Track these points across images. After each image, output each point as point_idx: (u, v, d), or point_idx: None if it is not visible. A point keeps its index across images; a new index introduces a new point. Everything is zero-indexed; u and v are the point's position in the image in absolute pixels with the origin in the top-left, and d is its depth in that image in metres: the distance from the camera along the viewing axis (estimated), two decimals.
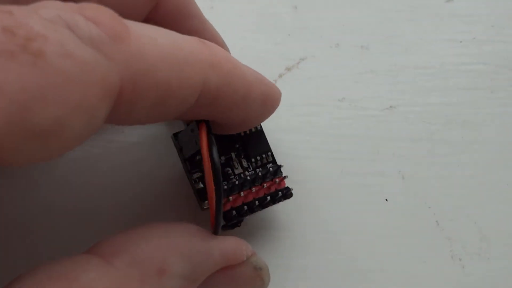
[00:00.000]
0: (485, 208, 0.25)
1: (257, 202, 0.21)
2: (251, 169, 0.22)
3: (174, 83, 0.15)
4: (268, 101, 0.18)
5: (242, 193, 0.21)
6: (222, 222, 0.20)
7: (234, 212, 0.21)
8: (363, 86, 0.25)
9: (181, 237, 0.17)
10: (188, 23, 0.20)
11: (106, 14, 0.14)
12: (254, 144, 0.22)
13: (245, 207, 0.21)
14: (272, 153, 0.22)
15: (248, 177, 0.21)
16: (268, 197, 0.21)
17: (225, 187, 0.21)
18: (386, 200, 0.24)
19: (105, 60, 0.13)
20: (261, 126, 0.23)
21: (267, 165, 0.22)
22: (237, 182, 0.21)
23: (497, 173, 0.25)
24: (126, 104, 0.14)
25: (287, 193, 0.22)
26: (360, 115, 0.25)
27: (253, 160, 0.22)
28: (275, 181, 0.22)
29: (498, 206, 0.25)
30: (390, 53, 0.26)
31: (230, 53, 0.21)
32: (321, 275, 0.23)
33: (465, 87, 0.26)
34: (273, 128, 0.24)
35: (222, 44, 0.21)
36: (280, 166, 0.22)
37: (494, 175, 0.25)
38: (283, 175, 0.22)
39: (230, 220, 0.21)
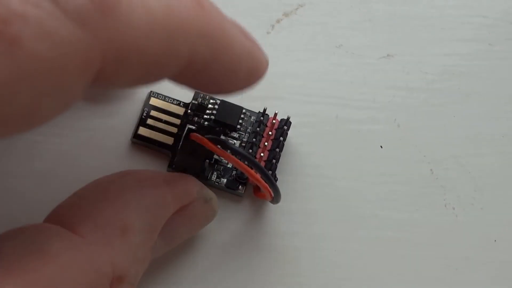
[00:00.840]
0: (479, 158, 0.25)
1: (277, 150, 0.22)
2: (244, 133, 0.23)
3: (161, 56, 0.13)
4: (254, 76, 0.17)
5: (261, 155, 0.22)
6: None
7: (270, 172, 0.21)
8: (361, 34, 0.25)
9: (135, 190, 0.17)
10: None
11: None
12: (228, 115, 0.22)
13: (273, 160, 0.22)
14: (245, 109, 0.23)
15: (252, 140, 0.22)
16: (280, 138, 0.22)
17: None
18: (381, 147, 0.24)
19: (90, 37, 0.12)
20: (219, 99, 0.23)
21: (251, 120, 0.23)
22: (250, 151, 0.22)
23: (493, 124, 0.25)
24: (105, 79, 0.13)
25: (287, 123, 0.22)
26: (357, 62, 0.25)
27: (238, 127, 0.22)
28: (272, 123, 0.22)
29: (492, 157, 0.25)
30: (389, 2, 0.26)
31: None
32: (314, 220, 0.23)
33: (463, 39, 0.26)
34: (269, 73, 0.24)
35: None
36: (264, 112, 0.22)
37: (490, 126, 0.25)
38: (273, 114, 0.22)
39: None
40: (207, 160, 0.22)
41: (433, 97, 0.25)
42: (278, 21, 0.25)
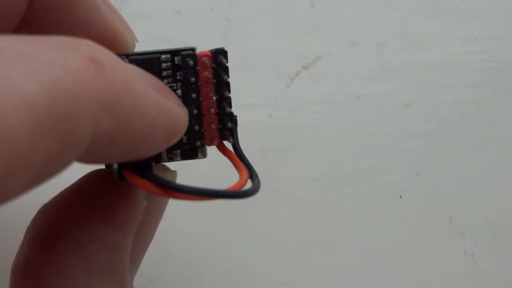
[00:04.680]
0: (498, 204, 0.25)
1: (224, 91, 0.17)
2: (176, 84, 0.17)
3: (54, 151, 0.10)
4: (173, 137, 0.14)
5: (211, 110, 0.17)
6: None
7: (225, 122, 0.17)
8: (379, 84, 0.26)
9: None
10: (76, 12, 0.15)
11: None
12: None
13: (226, 109, 0.17)
14: (163, 54, 0.16)
15: (191, 94, 0.17)
16: (220, 73, 0.17)
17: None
18: (400, 196, 0.25)
19: None
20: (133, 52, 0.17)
21: (177, 62, 0.17)
22: (196, 112, 0.17)
23: (511, 169, 0.25)
24: None
25: (222, 52, 0.17)
26: (375, 112, 0.25)
27: (165, 81, 0.16)
28: (204, 63, 0.17)
29: (511, 202, 0.25)
30: (406, 50, 0.26)
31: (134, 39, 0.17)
32: (335, 270, 0.24)
33: (480, 84, 0.26)
34: (290, 125, 0.25)
35: (123, 34, 0.16)
36: (186, 50, 0.16)
37: (508, 172, 0.25)
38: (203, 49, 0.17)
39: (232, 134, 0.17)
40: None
41: (451, 144, 0.25)
42: (297, 74, 0.25)
